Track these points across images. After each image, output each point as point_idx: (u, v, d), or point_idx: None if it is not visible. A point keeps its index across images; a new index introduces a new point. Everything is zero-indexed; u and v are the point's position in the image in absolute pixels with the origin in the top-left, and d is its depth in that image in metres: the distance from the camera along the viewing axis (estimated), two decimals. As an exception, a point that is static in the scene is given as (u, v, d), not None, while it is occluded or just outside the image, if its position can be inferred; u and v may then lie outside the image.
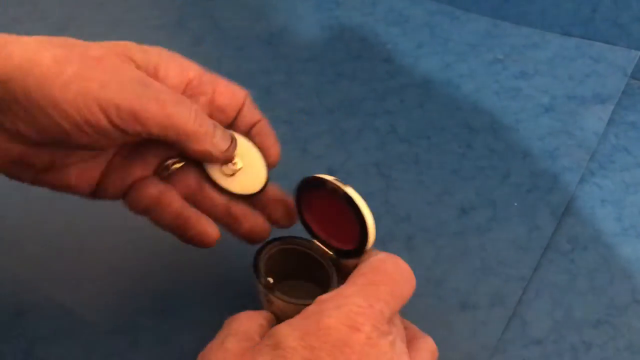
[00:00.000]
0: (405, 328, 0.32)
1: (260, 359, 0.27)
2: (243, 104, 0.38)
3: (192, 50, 0.59)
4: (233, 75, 0.58)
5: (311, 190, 0.36)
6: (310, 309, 0.29)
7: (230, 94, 0.38)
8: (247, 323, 0.32)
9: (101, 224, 0.44)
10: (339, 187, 0.34)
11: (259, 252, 0.37)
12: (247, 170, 0.37)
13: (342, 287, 0.30)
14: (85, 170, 0.35)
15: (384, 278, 0.30)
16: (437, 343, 0.39)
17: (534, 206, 0.47)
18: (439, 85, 0.56)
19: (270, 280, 0.35)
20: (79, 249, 0.43)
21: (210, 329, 0.39)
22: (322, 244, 0.37)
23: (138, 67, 0.34)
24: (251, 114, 0.39)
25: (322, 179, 0.35)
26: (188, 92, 0.37)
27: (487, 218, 0.46)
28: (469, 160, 0.50)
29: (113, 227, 0.44)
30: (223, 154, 0.35)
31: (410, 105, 0.54)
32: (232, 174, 0.37)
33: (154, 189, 0.36)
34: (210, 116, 0.37)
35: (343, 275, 0.34)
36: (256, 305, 0.37)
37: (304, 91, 0.55)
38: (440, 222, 0.45)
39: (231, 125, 0.38)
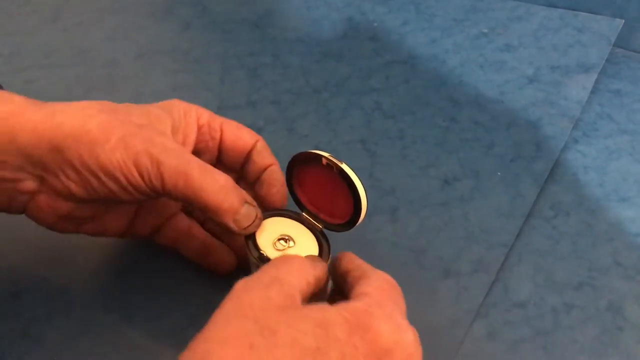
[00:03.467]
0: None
1: (302, 327, 0.27)
2: (252, 149, 0.40)
3: (180, 35, 0.60)
4: (221, 59, 0.59)
5: (304, 165, 0.38)
6: (359, 306, 0.29)
7: (238, 136, 0.40)
8: (297, 276, 0.31)
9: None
10: (335, 163, 0.35)
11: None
12: (299, 250, 0.37)
13: (374, 297, 0.30)
14: (119, 217, 0.39)
15: (400, 294, 0.32)
16: (421, 309, 0.40)
17: (517, 175, 0.47)
18: (425, 61, 0.57)
19: (264, 252, 0.36)
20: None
21: (202, 306, 0.40)
22: (311, 217, 0.38)
23: (169, 133, 0.37)
24: (261, 158, 0.40)
25: (317, 154, 0.36)
26: (199, 139, 0.39)
27: (471, 188, 0.46)
28: (454, 133, 0.51)
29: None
30: (242, 230, 0.36)
31: (395, 82, 0.55)
32: (283, 250, 0.37)
33: (184, 224, 0.41)
34: (221, 159, 0.41)
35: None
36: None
37: (291, 72, 0.56)
38: (424, 193, 0.46)
39: (242, 169, 0.41)
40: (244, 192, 0.36)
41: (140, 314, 0.40)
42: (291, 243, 0.37)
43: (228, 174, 0.36)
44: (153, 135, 0.35)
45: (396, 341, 0.28)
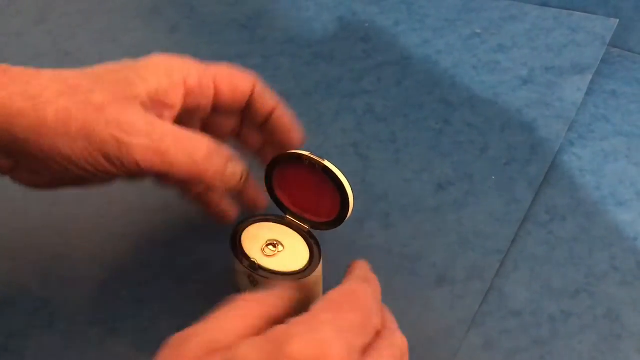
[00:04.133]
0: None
1: None
2: (252, 93, 0.37)
3: (168, 37, 0.59)
4: (209, 60, 0.58)
5: (284, 167, 0.37)
6: (278, 329, 0.27)
7: (234, 87, 0.37)
8: (215, 327, 0.29)
9: (77, 214, 0.44)
10: (317, 161, 0.34)
11: (234, 233, 0.37)
12: (289, 254, 0.36)
13: (313, 310, 0.28)
14: None
15: (355, 306, 0.28)
16: (414, 318, 0.39)
17: (512, 179, 0.46)
18: (417, 62, 0.56)
19: (255, 259, 0.35)
20: (55, 241, 0.43)
21: (189, 316, 0.39)
22: (296, 218, 0.37)
23: (143, 102, 0.34)
24: (263, 102, 0.38)
25: (297, 154, 0.35)
26: (190, 101, 0.36)
27: (464, 192, 0.46)
28: (447, 136, 0.50)
29: (89, 218, 0.44)
30: (232, 188, 0.35)
31: (387, 84, 0.54)
32: (273, 255, 0.36)
33: None
34: (217, 109, 0.37)
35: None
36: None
37: (281, 74, 0.55)
38: (417, 198, 0.45)
39: (246, 117, 0.39)
40: (225, 150, 0.34)
41: (126, 326, 0.39)
42: (280, 247, 0.36)
43: (226, 121, 0.35)
44: (119, 115, 0.32)
45: (313, 356, 0.25)
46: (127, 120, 0.32)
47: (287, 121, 0.39)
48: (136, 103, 0.34)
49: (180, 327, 0.38)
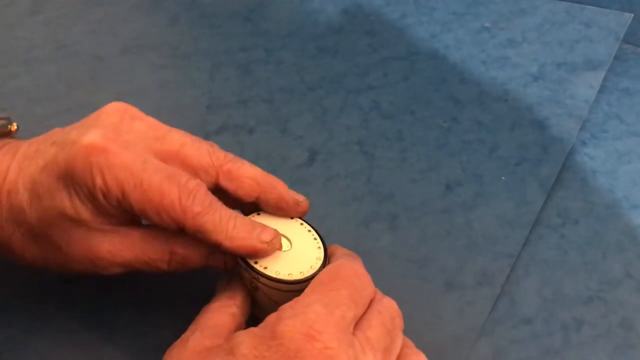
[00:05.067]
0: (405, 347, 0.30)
1: None
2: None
3: (167, 29, 0.57)
4: (211, 54, 0.56)
5: None
6: (271, 316, 0.28)
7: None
8: (217, 316, 0.31)
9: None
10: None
11: None
12: (296, 252, 0.34)
13: (302, 295, 0.29)
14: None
15: (342, 283, 0.29)
16: (422, 325, 0.38)
17: (523, 180, 0.45)
18: (424, 57, 0.54)
19: (260, 265, 0.33)
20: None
21: (191, 321, 0.38)
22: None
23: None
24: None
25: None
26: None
27: (474, 194, 0.44)
28: (455, 134, 0.48)
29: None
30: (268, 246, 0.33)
31: (394, 80, 0.52)
32: (278, 254, 0.34)
33: None
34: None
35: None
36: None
37: (284, 68, 0.53)
38: (424, 199, 0.44)
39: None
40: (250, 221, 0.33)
41: (125, 331, 0.37)
42: (286, 244, 0.34)
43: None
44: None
45: (305, 338, 0.26)
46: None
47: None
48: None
49: (181, 331, 0.37)
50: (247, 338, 0.27)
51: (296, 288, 0.32)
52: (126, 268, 0.33)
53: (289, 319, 0.27)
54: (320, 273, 0.30)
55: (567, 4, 0.56)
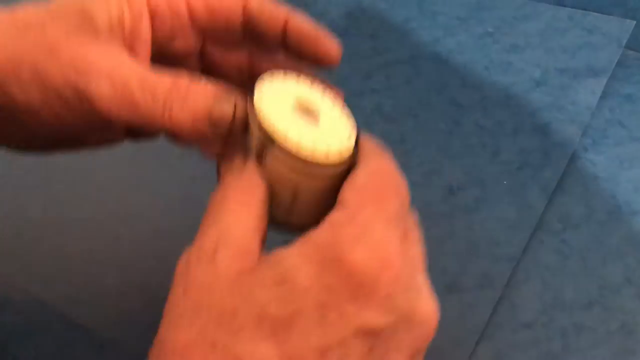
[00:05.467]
0: None
1: (261, 295, 0.22)
2: (246, 9, 0.30)
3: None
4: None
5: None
6: (322, 235, 0.23)
7: (209, 9, 0.30)
8: (239, 226, 0.24)
9: (79, 216, 0.43)
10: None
11: (251, 90, 0.27)
12: (326, 129, 0.27)
13: (349, 207, 0.24)
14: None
15: (393, 190, 0.25)
16: (422, 329, 0.38)
17: (524, 184, 0.45)
18: (427, 61, 0.54)
19: (276, 125, 0.25)
20: (56, 241, 0.42)
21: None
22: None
23: (105, 36, 0.28)
24: (266, 16, 0.30)
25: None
26: (161, 27, 0.30)
27: (475, 198, 0.44)
28: (458, 138, 0.48)
29: (90, 219, 0.43)
30: (224, 130, 0.26)
31: (396, 83, 0.52)
32: (304, 125, 0.26)
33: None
34: (214, 50, 0.31)
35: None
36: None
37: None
38: (426, 203, 0.44)
39: (255, 44, 0.31)
40: (206, 85, 0.26)
41: (131, 332, 0.38)
42: (313, 117, 0.27)
43: (229, 56, 0.29)
44: (75, 53, 0.26)
45: (380, 266, 0.22)
46: (85, 60, 0.26)
47: (310, 30, 0.30)
48: (97, 37, 0.27)
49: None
50: (301, 262, 0.22)
51: (329, 172, 0.26)
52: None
53: (355, 243, 0.22)
54: (359, 176, 0.25)
55: (570, 10, 0.57)
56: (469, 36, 0.56)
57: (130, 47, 0.29)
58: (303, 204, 0.26)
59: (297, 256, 0.23)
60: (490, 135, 0.48)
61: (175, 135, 0.29)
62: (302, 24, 0.30)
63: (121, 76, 0.26)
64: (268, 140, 0.25)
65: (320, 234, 0.23)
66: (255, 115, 0.26)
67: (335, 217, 0.23)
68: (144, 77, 0.26)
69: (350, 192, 0.24)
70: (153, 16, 0.29)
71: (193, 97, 0.26)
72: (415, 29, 0.57)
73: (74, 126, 0.28)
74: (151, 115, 0.26)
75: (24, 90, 0.27)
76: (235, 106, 0.26)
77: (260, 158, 0.26)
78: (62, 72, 0.26)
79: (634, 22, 0.54)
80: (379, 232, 0.23)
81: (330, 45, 0.31)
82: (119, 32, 0.28)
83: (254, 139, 0.26)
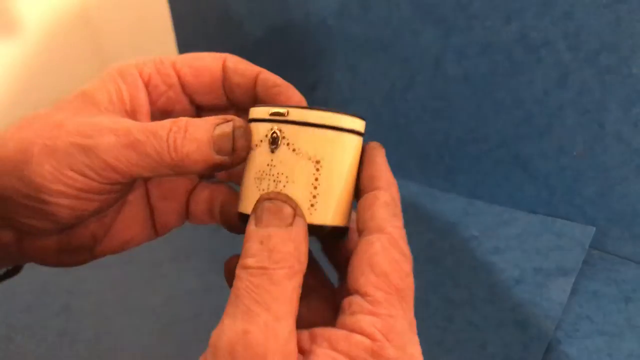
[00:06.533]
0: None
1: None
2: (224, 71, 0.34)
3: (211, 239, 0.68)
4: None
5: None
6: (364, 357, 0.27)
7: (197, 70, 0.34)
8: (283, 329, 0.27)
9: None
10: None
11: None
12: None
13: (384, 309, 0.29)
14: (131, 221, 0.35)
15: (406, 280, 0.31)
16: None
17: (508, 376, 0.53)
18: (423, 262, 0.65)
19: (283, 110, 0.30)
20: None
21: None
22: None
23: (106, 108, 0.32)
24: (241, 73, 0.34)
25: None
26: (155, 94, 0.34)
27: (466, 389, 0.52)
28: (450, 333, 0.57)
29: None
30: (236, 157, 0.30)
31: (398, 282, 0.62)
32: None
33: (206, 192, 0.37)
34: (200, 104, 0.35)
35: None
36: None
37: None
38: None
39: (234, 99, 0.35)
40: (210, 118, 0.30)
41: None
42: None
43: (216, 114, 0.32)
44: (79, 123, 0.30)
45: None
46: (89, 124, 0.29)
47: (276, 79, 0.34)
48: (93, 107, 0.31)
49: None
50: None
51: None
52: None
53: (394, 350, 0.28)
54: (380, 257, 0.30)
55: (542, 217, 0.68)
56: (459, 239, 0.67)
57: (133, 117, 0.33)
58: (325, 181, 0.30)
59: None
60: (478, 330, 0.57)
61: (183, 171, 0.31)
62: (271, 75, 0.34)
63: (123, 127, 0.29)
64: (279, 118, 0.29)
65: (360, 349, 0.27)
66: (258, 113, 0.30)
67: (370, 328, 0.28)
68: (145, 125, 0.30)
69: (375, 283, 0.29)
70: (147, 85, 0.34)
71: (193, 128, 0.30)
72: (412, 234, 0.68)
73: (91, 194, 0.30)
74: (157, 153, 0.29)
75: (37, 168, 0.29)
76: (234, 124, 0.30)
77: (271, 137, 0.29)
78: (69, 141, 0.29)
79: (594, 228, 0.65)
80: (412, 350, 0.29)
81: (293, 92, 0.34)
82: (120, 105, 0.32)
83: (262, 136, 0.30)
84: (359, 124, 0.32)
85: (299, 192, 0.30)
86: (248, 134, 0.30)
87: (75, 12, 0.88)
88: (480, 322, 0.58)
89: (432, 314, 0.59)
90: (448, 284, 0.62)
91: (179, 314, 0.59)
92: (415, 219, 0.70)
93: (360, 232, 0.31)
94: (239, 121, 0.30)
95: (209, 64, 0.34)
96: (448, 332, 0.57)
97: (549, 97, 0.62)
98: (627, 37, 0.55)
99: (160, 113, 0.35)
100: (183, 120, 0.30)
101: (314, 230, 0.30)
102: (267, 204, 0.29)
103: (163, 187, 0.37)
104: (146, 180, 0.36)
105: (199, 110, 0.37)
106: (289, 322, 0.27)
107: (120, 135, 0.29)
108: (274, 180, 0.30)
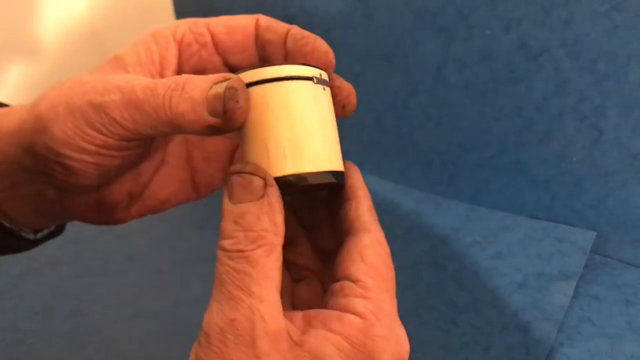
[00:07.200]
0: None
1: None
2: (257, 30, 0.34)
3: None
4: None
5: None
6: (356, 335, 0.29)
7: (230, 29, 0.34)
8: (270, 306, 0.28)
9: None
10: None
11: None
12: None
13: (372, 292, 0.30)
14: (168, 181, 0.36)
15: (390, 268, 0.32)
16: None
17: (511, 377, 0.54)
18: (427, 267, 0.66)
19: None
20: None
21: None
22: None
23: (132, 67, 0.33)
24: (272, 30, 0.34)
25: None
26: (187, 52, 0.35)
27: (470, 390, 0.53)
28: (455, 336, 0.58)
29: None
30: (230, 118, 0.29)
31: (400, 288, 0.63)
32: None
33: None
34: (231, 62, 0.35)
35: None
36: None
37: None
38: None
39: (266, 56, 0.35)
40: (207, 76, 0.30)
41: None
42: None
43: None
44: (97, 82, 0.30)
45: (398, 355, 0.29)
46: (102, 82, 0.30)
47: (304, 33, 0.34)
48: (121, 69, 0.32)
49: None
50: (337, 355, 0.28)
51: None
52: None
53: (385, 345, 0.29)
54: (367, 250, 0.31)
55: (544, 222, 0.69)
56: (461, 245, 0.68)
57: (161, 74, 0.33)
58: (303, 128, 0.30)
59: (332, 346, 0.28)
60: (482, 333, 0.58)
61: (184, 131, 0.30)
62: (300, 30, 0.34)
63: (130, 86, 0.30)
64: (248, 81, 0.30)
65: (353, 327, 0.29)
66: (249, 75, 0.30)
67: (361, 306, 0.29)
68: (149, 82, 0.30)
69: (365, 271, 0.30)
70: (180, 45, 0.34)
71: (190, 87, 0.29)
72: (415, 239, 0.69)
73: (111, 149, 0.31)
74: (154, 111, 0.29)
75: (62, 125, 0.30)
76: (227, 84, 0.29)
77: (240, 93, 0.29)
78: (84, 97, 0.30)
79: (595, 233, 0.66)
80: (399, 331, 0.30)
81: (320, 43, 0.34)
82: (149, 66, 0.33)
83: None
84: (305, 70, 0.32)
85: (277, 149, 0.30)
86: (241, 96, 0.29)
87: (85, 28, 0.90)
88: (483, 326, 0.59)
89: (436, 317, 0.60)
90: (452, 288, 0.63)
91: (186, 319, 0.60)
92: (418, 225, 0.71)
93: (347, 231, 0.33)
94: (233, 81, 0.29)
95: (242, 22, 0.34)
96: (452, 335, 0.58)
97: (549, 103, 0.63)
98: (624, 45, 0.56)
99: (192, 73, 0.35)
100: (183, 77, 0.30)
101: (296, 181, 0.30)
102: (236, 178, 0.29)
103: (205, 148, 0.37)
104: (175, 140, 0.37)
105: (232, 71, 0.36)
106: (274, 299, 0.28)
107: (125, 93, 0.29)
108: (262, 139, 0.30)
